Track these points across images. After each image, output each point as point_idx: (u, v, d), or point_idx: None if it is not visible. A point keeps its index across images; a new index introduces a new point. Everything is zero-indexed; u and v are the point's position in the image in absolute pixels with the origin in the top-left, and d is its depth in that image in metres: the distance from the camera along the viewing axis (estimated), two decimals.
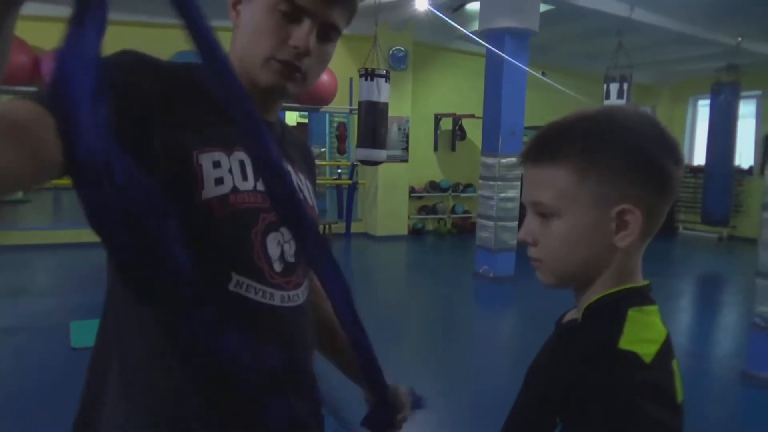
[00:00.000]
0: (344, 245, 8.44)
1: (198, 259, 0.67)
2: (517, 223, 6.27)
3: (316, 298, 1.01)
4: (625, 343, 0.63)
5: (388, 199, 8.90)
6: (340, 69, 7.94)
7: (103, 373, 0.84)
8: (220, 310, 0.70)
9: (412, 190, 9.26)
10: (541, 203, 0.70)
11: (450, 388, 3.50)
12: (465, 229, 9.41)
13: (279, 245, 0.85)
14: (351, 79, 8.10)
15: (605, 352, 0.63)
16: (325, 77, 7.69)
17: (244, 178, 0.83)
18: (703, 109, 10.47)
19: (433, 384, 3.60)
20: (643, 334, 0.64)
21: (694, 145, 11.05)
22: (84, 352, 3.77)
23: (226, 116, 0.76)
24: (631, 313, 0.66)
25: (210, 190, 0.79)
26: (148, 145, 0.74)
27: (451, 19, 6.82)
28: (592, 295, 0.70)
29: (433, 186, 9.53)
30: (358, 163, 8.77)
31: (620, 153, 0.66)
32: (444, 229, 9.62)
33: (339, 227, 8.81)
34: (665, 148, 0.68)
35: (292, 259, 0.88)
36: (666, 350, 0.66)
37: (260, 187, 0.84)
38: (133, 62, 0.78)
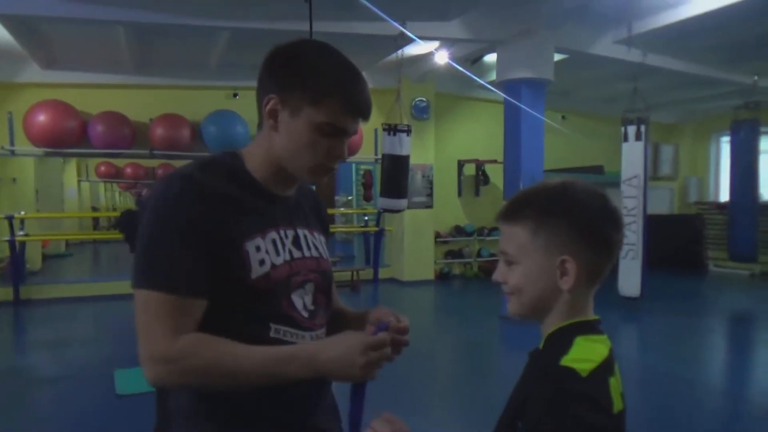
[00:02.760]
0: (372, 290, 8.59)
1: (247, 317, 1.03)
2: None
3: (338, 305, 1.29)
4: (566, 361, 0.83)
5: (414, 245, 9.08)
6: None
7: (166, 407, 1.09)
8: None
9: (437, 235, 9.43)
10: (507, 252, 0.93)
11: (479, 425, 3.58)
12: (491, 272, 9.44)
13: (301, 297, 1.11)
14: (376, 130, 8.43)
15: (550, 367, 0.84)
16: None
17: (277, 253, 1.08)
18: (725, 146, 10.49)
19: (462, 425, 3.69)
20: (583, 355, 0.84)
21: (719, 182, 11.02)
22: (128, 398, 4.04)
23: (256, 206, 1.09)
24: (578, 340, 0.86)
25: (256, 271, 1.04)
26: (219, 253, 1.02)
27: (470, 71, 7.15)
28: (550, 326, 0.91)
29: (458, 230, 9.68)
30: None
31: (565, 217, 0.88)
32: (470, 273, 9.72)
33: (367, 273, 8.99)
34: (605, 215, 0.90)
35: (312, 307, 1.13)
36: (603, 368, 0.84)
37: (287, 256, 1.10)
38: (190, 210, 1.01)
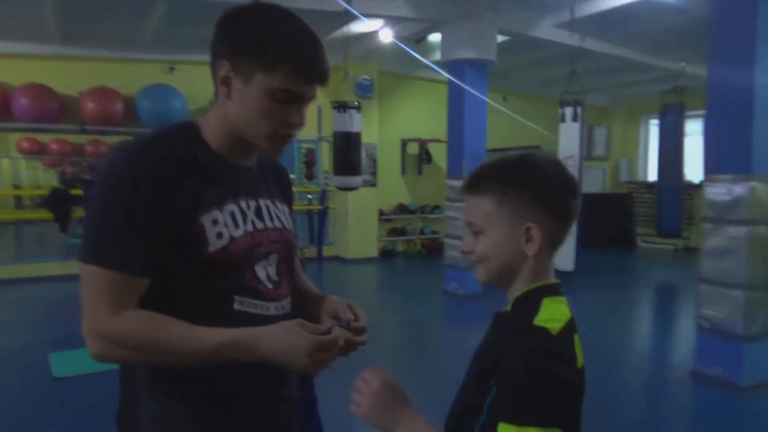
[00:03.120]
0: (316, 269, 8.59)
1: (209, 290, 1.02)
2: None
3: (299, 282, 1.30)
4: (538, 321, 0.88)
5: (358, 223, 9.12)
6: None
7: (131, 378, 1.07)
8: (230, 323, 1.02)
9: (381, 213, 9.50)
10: (473, 223, 0.96)
11: (422, 401, 3.68)
12: (434, 249, 9.67)
13: (264, 269, 1.11)
14: (319, 107, 8.35)
15: (525, 326, 0.88)
16: None
17: (236, 226, 1.07)
18: (654, 128, 11.04)
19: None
20: (552, 315, 0.89)
21: (647, 162, 11.60)
22: (66, 381, 3.91)
23: (213, 177, 1.06)
24: (545, 301, 0.92)
25: (213, 245, 1.02)
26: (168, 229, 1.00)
27: (414, 50, 7.17)
28: (516, 291, 0.96)
29: (402, 209, 9.79)
30: (328, 189, 9.00)
31: (528, 187, 0.93)
32: (413, 250, 9.87)
33: (311, 252, 8.96)
34: (563, 183, 0.95)
35: (276, 278, 1.14)
36: (569, 327, 0.90)
37: (249, 228, 1.10)
38: (129, 189, 0.98)
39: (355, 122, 6.05)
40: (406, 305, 6.63)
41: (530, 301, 0.92)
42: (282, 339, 0.95)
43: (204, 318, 1.00)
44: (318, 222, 9.07)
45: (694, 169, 9.73)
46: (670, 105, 8.58)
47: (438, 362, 4.65)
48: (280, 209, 1.20)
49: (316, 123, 8.56)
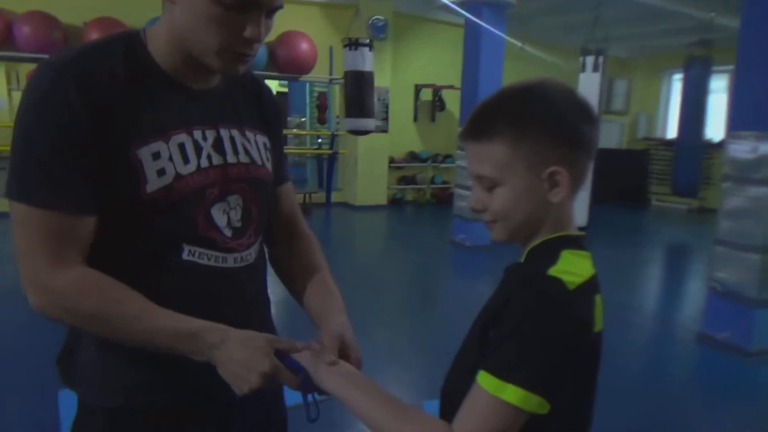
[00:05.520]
0: (324, 214, 8.53)
1: (152, 237, 0.88)
2: None
3: (303, 245, 1.14)
4: (553, 271, 0.76)
5: (367, 169, 8.98)
6: (319, 38, 7.91)
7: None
8: (177, 275, 0.90)
9: (391, 160, 9.34)
10: (484, 176, 0.82)
11: (427, 350, 3.67)
12: (443, 199, 9.56)
13: (225, 213, 0.95)
14: (331, 48, 8.08)
15: (535, 276, 0.77)
16: (304, 46, 7.67)
17: (186, 161, 0.90)
18: (677, 84, 10.64)
19: (410, 346, 3.77)
20: (570, 268, 0.77)
21: (667, 119, 11.25)
22: None
23: (158, 102, 0.88)
24: (564, 253, 0.79)
25: (154, 183, 0.87)
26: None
27: None
28: (534, 242, 0.84)
29: (413, 156, 9.62)
30: (338, 133, 8.82)
31: (543, 124, 0.79)
32: (423, 199, 9.76)
33: (319, 197, 8.89)
34: (580, 113, 0.81)
35: (239, 224, 0.98)
36: (590, 285, 0.78)
37: (204, 163, 0.93)
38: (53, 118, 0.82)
39: (367, 61, 5.77)
40: (413, 255, 6.57)
41: (547, 252, 0.80)
42: (243, 350, 0.83)
43: (148, 269, 0.89)
44: (327, 167, 8.96)
45: (715, 128, 9.45)
46: (696, 58, 8.19)
47: (442, 311, 4.63)
48: (252, 140, 1.02)
49: (328, 65, 8.30)
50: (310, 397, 0.89)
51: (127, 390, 0.94)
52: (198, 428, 0.99)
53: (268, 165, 1.05)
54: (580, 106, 0.81)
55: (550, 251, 0.80)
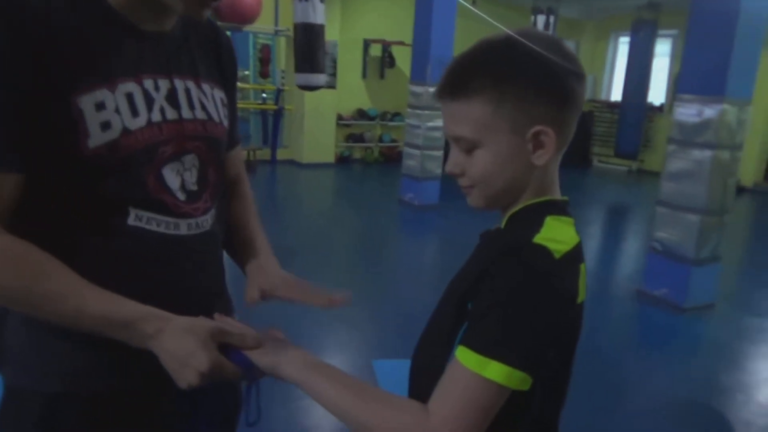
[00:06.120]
0: (269, 172, 8.31)
1: (93, 200, 0.75)
2: (442, 152, 6.37)
3: (239, 206, 1.05)
4: (539, 239, 0.69)
5: (315, 126, 8.75)
6: None
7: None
8: (121, 243, 0.78)
9: (339, 117, 9.13)
10: (463, 137, 0.73)
11: (375, 309, 3.63)
12: (392, 158, 9.47)
13: (179, 174, 0.84)
14: None
15: (521, 243, 0.69)
16: None
17: (135, 113, 0.78)
18: (623, 47, 10.79)
19: (359, 307, 3.72)
20: (556, 236, 0.70)
21: (612, 82, 11.45)
22: None
23: (104, 44, 0.75)
24: (548, 219, 0.72)
25: (96, 138, 0.75)
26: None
27: None
28: (514, 207, 0.76)
29: (361, 114, 9.43)
30: (284, 88, 8.52)
31: (527, 79, 0.70)
32: (371, 158, 9.64)
33: (264, 153, 8.63)
34: (569, 66, 0.72)
35: (194, 187, 0.87)
36: (575, 254, 0.71)
37: (156, 117, 0.81)
38: None
39: (319, 13, 5.48)
40: (361, 214, 6.50)
41: (530, 218, 0.72)
42: (183, 342, 0.72)
43: (87, 237, 0.77)
44: (273, 123, 8.66)
45: (657, 91, 9.68)
46: (643, 22, 8.32)
47: (391, 270, 4.60)
48: (209, 94, 0.91)
49: (273, 15, 7.93)
50: (253, 397, 0.80)
51: (67, 373, 0.82)
52: (155, 410, 0.89)
53: (225, 123, 0.94)
54: (569, 59, 0.72)
55: (534, 217, 0.72)
